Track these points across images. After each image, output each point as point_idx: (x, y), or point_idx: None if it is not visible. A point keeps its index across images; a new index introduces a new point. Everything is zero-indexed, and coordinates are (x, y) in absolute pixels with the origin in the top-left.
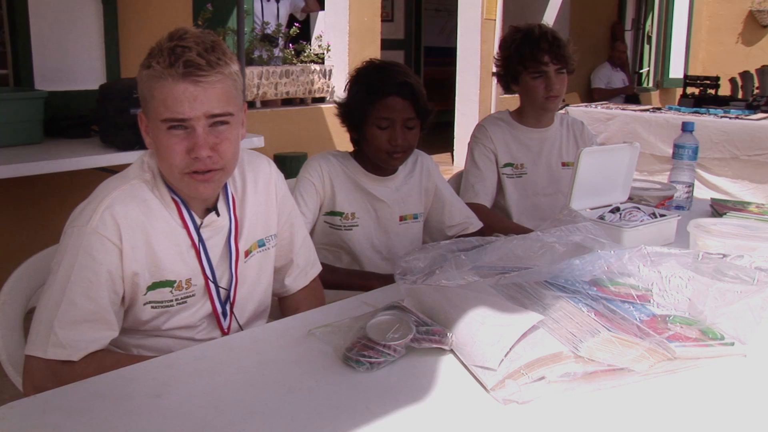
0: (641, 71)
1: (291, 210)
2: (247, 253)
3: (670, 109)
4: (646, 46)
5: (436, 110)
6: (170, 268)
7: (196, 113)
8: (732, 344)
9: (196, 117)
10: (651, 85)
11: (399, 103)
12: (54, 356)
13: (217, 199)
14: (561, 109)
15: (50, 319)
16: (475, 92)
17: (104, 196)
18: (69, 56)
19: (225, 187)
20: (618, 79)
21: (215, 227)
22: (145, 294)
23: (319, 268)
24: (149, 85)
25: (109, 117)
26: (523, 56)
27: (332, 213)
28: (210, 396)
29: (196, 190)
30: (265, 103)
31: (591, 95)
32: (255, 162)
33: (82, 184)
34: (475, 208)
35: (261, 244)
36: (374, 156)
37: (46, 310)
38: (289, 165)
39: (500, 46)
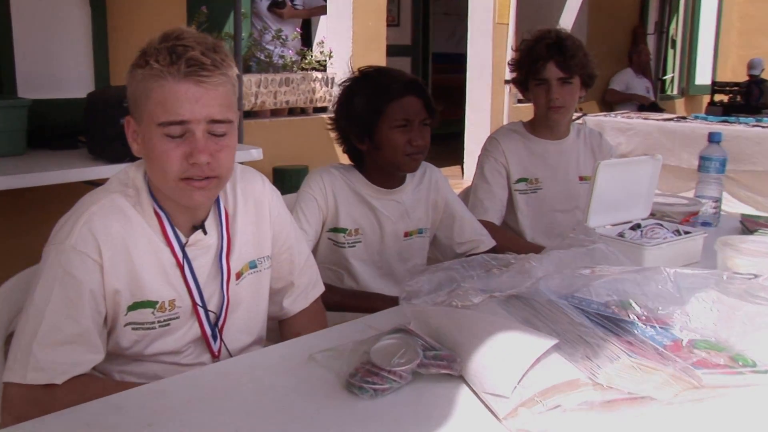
0: (665, 78)
1: (289, 231)
2: (239, 275)
3: (696, 117)
4: (670, 51)
5: (441, 109)
6: (152, 287)
7: (197, 116)
8: (766, 372)
9: (196, 120)
10: (675, 92)
11: (415, 102)
12: (34, 381)
13: (205, 216)
14: (578, 119)
15: (29, 342)
16: (486, 101)
17: (83, 211)
18: (54, 62)
19: (217, 202)
20: (641, 86)
21: (202, 246)
22: (125, 314)
23: (321, 289)
24: (144, 85)
25: (98, 127)
26: (528, 62)
27: (335, 230)
28: (204, 426)
29: (191, 198)
30: (264, 113)
31: (603, 97)
32: (247, 178)
33: (69, 199)
34: (484, 226)
35: (252, 265)
36: (392, 162)
37: (24, 333)
38: (289, 179)
39: (515, 51)
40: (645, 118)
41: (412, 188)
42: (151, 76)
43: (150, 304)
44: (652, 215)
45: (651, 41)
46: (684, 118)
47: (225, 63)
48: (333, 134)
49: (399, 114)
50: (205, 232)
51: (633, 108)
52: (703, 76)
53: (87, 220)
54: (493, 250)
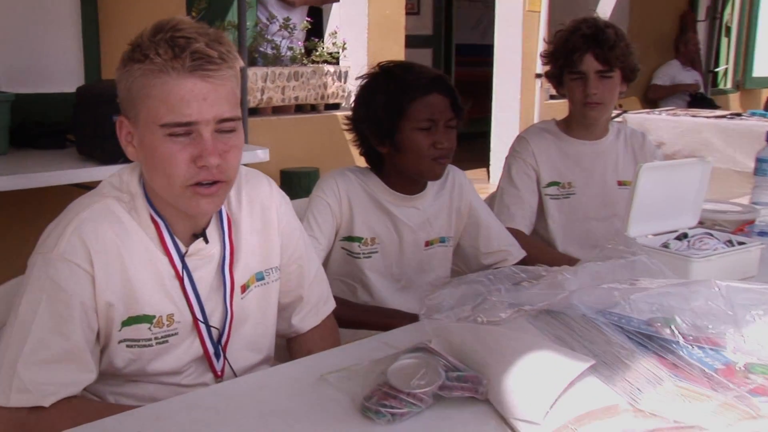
0: (717, 70)
1: (299, 240)
2: (244, 288)
3: (753, 114)
4: (724, 39)
5: (469, 105)
6: (148, 301)
7: (205, 116)
8: None
9: (205, 121)
10: (729, 86)
11: (441, 100)
12: (18, 403)
13: (207, 224)
14: (619, 116)
15: (13, 360)
16: (515, 97)
17: (72, 216)
18: (40, 53)
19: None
20: (689, 79)
21: (203, 256)
22: (119, 330)
23: (332, 305)
24: (143, 81)
25: (88, 125)
26: (564, 53)
27: (350, 239)
28: None
29: (198, 206)
30: (271, 110)
31: (646, 94)
32: (253, 181)
33: (56, 203)
34: (511, 234)
35: (259, 277)
36: (415, 166)
37: (8, 351)
38: (298, 182)
39: (547, 43)
40: (694, 116)
41: (434, 193)
42: (150, 72)
43: (146, 318)
44: (701, 224)
45: (702, 29)
46: (739, 114)
47: (231, 55)
48: (350, 135)
49: (423, 114)
50: (206, 241)
51: (681, 103)
52: (762, 68)
53: (77, 226)
54: (522, 262)
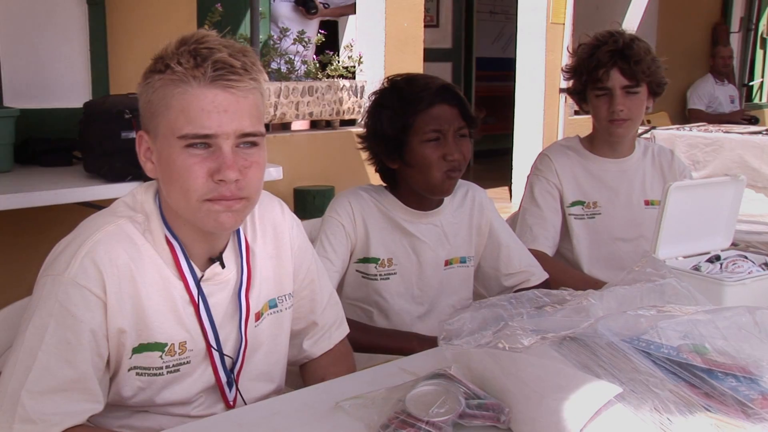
0: (752, 83)
1: (311, 264)
2: (258, 316)
3: None
4: (759, 51)
5: (483, 116)
6: (161, 328)
7: (225, 130)
8: None
9: (225, 134)
10: (765, 100)
11: (447, 111)
12: None
13: (224, 247)
14: (646, 132)
15: (17, 388)
16: (538, 113)
17: (85, 238)
18: (46, 67)
19: (236, 230)
20: (724, 95)
21: (219, 281)
22: (130, 357)
23: (345, 330)
24: (163, 92)
25: (95, 141)
26: (588, 69)
27: (365, 260)
28: None
29: (217, 221)
30: (284, 126)
31: (688, 119)
32: (264, 203)
33: (62, 223)
34: (534, 256)
35: (272, 305)
36: (426, 181)
37: (12, 377)
38: (312, 201)
39: (571, 55)
40: (726, 132)
41: (452, 210)
42: (171, 82)
43: (158, 346)
44: (735, 245)
45: (735, 40)
46: None
47: (255, 67)
48: (364, 154)
49: (429, 125)
50: (223, 266)
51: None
52: None
53: (90, 249)
54: (545, 284)
